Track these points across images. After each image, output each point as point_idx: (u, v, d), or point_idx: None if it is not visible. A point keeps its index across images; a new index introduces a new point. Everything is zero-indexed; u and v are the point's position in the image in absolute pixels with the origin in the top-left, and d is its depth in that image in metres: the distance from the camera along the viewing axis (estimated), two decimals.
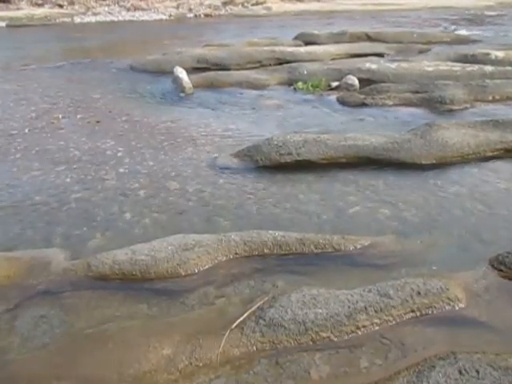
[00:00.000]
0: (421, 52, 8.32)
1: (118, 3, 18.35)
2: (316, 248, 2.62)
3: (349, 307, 2.11)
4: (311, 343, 2.00)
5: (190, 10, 17.84)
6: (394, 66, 6.58)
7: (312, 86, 6.11)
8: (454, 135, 3.97)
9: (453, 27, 11.82)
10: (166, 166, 3.86)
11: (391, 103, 5.35)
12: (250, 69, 7.22)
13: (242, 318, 2.09)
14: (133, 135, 4.62)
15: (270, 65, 7.46)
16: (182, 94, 6.02)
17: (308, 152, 3.80)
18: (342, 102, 5.60)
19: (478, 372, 1.77)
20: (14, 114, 5.37)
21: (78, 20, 15.79)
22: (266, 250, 2.61)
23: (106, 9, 17.75)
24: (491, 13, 14.95)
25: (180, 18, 16.74)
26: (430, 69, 6.38)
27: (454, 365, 1.81)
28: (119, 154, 4.13)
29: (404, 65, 6.61)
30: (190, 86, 6.13)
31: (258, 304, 2.18)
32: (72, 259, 2.61)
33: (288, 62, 7.37)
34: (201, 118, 5.10)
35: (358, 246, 2.64)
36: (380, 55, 7.92)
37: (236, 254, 2.59)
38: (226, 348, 1.96)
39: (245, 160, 3.86)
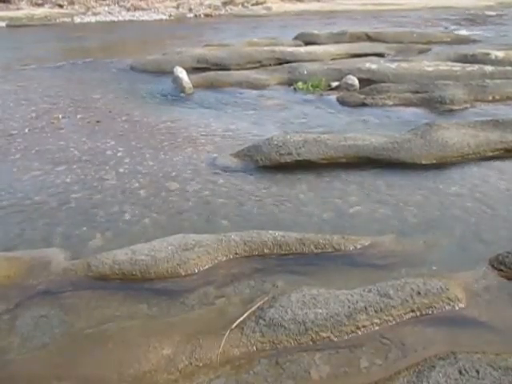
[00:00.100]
0: (421, 52, 8.31)
1: (117, 3, 18.35)
2: (316, 248, 2.62)
3: (349, 307, 2.11)
4: (311, 343, 2.00)
5: (190, 9, 17.83)
6: (394, 65, 6.58)
7: (312, 86, 6.11)
8: (454, 135, 3.97)
9: (453, 27, 11.81)
10: (166, 165, 3.86)
11: (391, 103, 5.35)
12: (250, 69, 7.22)
13: (242, 318, 2.09)
14: (133, 135, 4.62)
15: (270, 65, 7.46)
16: (182, 94, 6.02)
17: (308, 152, 3.80)
18: (342, 102, 5.59)
19: (478, 372, 1.77)
20: (14, 114, 5.37)
21: (78, 20, 15.78)
22: (266, 250, 2.61)
23: (106, 9, 17.74)
24: (491, 13, 14.94)
25: (180, 18, 16.73)
26: (430, 69, 6.38)
27: (454, 365, 1.81)
28: (119, 154, 4.13)
29: (404, 65, 6.61)
30: (190, 85, 6.13)
31: (258, 304, 2.18)
32: (72, 259, 2.61)
33: (288, 61, 7.36)
34: (201, 118, 5.10)
35: (358, 246, 2.64)
36: (380, 55, 7.92)
37: (236, 254, 2.59)
38: (226, 348, 1.96)
39: (245, 160, 3.86)
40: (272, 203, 3.22)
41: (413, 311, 2.14)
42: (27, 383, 1.85)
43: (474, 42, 9.37)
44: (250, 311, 2.14)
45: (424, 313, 2.14)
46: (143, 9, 17.86)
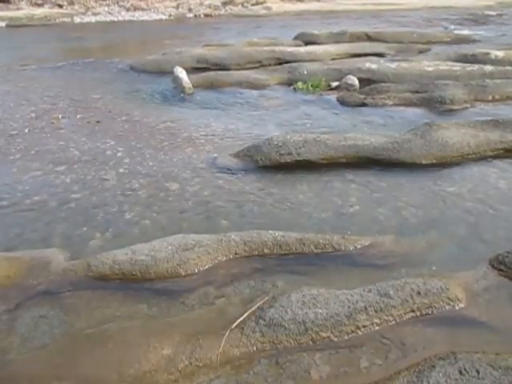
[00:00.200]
0: (421, 52, 8.31)
1: (117, 3, 18.36)
2: (316, 248, 2.62)
3: (349, 307, 2.11)
4: (311, 343, 2.00)
5: (190, 9, 17.84)
6: (393, 65, 6.58)
7: (312, 85, 6.11)
8: (454, 135, 3.97)
9: (452, 27, 11.81)
10: (165, 166, 3.86)
11: (391, 103, 5.35)
12: (250, 69, 7.22)
13: (242, 318, 2.09)
14: (133, 135, 4.62)
15: (270, 65, 7.46)
16: (181, 94, 6.01)
17: (308, 152, 3.80)
18: (342, 101, 5.59)
19: (478, 372, 1.77)
20: (14, 114, 5.37)
21: (77, 20, 15.79)
22: (266, 250, 2.61)
23: (106, 9, 17.75)
24: (491, 12, 14.95)
25: (180, 18, 16.73)
26: (429, 69, 6.38)
27: (454, 365, 1.81)
28: (119, 154, 4.13)
29: (404, 65, 6.61)
30: (190, 86, 6.12)
31: (258, 304, 2.18)
32: (72, 259, 2.61)
33: (288, 61, 7.36)
34: (201, 118, 5.10)
35: (358, 246, 2.64)
36: (380, 55, 7.92)
37: (236, 254, 2.59)
38: (226, 348, 1.96)
39: (245, 160, 3.86)
40: (272, 203, 3.22)
41: (413, 311, 2.14)
42: (27, 383, 1.85)
43: (474, 41, 9.37)
44: (250, 311, 2.14)
45: (424, 313, 2.14)
46: (143, 9, 17.87)
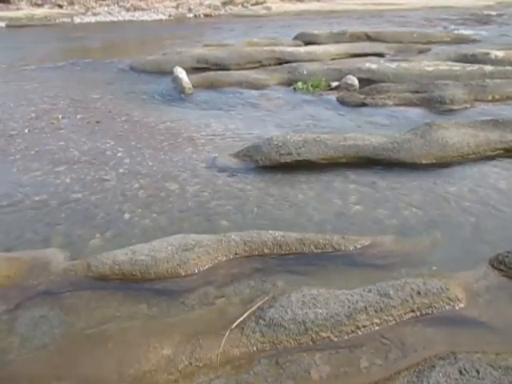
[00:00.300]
0: (421, 52, 8.31)
1: (117, 3, 18.36)
2: (316, 248, 2.62)
3: (349, 307, 2.11)
4: (311, 343, 2.00)
5: (190, 10, 17.84)
6: (393, 65, 6.58)
7: (312, 86, 6.11)
8: (454, 135, 3.97)
9: (452, 27, 11.82)
10: (165, 166, 3.86)
11: (391, 103, 5.35)
12: (250, 69, 7.22)
13: (242, 318, 2.09)
14: (133, 135, 4.62)
15: (270, 65, 7.46)
16: (181, 95, 6.01)
17: (308, 152, 3.80)
18: (342, 101, 5.59)
19: (478, 372, 1.77)
20: (14, 115, 5.37)
21: (77, 20, 15.79)
22: (266, 250, 2.61)
23: (106, 9, 17.76)
24: (491, 12, 14.95)
25: (180, 18, 16.74)
26: (429, 68, 6.38)
27: (454, 365, 1.81)
28: (119, 155, 4.13)
29: (404, 65, 6.61)
30: (190, 86, 6.12)
31: (258, 304, 2.18)
32: (72, 259, 2.61)
33: (288, 61, 7.36)
34: (200, 118, 5.10)
35: (358, 246, 2.64)
36: (380, 55, 7.92)
37: (236, 254, 2.59)
38: (226, 348, 1.96)
39: (245, 160, 3.86)
40: (272, 203, 3.22)
41: (413, 311, 2.14)
42: (27, 383, 1.85)
43: (474, 41, 9.37)
44: (250, 311, 2.14)
45: (424, 313, 2.14)
46: (143, 9, 17.87)
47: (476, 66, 6.45)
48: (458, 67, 6.41)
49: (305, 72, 6.57)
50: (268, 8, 18.14)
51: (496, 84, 5.60)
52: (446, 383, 1.74)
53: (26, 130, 4.81)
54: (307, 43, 9.31)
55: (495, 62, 6.84)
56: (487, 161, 3.81)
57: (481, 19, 13.52)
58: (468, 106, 5.24)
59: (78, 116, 5.30)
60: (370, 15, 15.55)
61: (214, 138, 4.48)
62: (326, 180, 3.55)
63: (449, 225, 2.90)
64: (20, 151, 4.26)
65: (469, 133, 4.05)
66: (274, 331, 2.02)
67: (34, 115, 5.33)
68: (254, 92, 6.13)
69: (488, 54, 7.09)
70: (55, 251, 2.68)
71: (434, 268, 2.48)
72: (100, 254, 2.56)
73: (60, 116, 5.25)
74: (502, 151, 3.93)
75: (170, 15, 17.03)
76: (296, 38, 9.85)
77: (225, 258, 2.57)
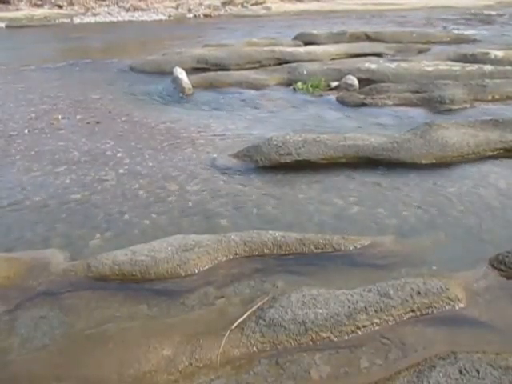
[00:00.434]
0: (420, 52, 8.32)
1: (117, 4, 18.36)
2: (316, 248, 2.62)
3: (349, 307, 2.11)
4: (311, 343, 2.00)
5: (190, 10, 17.84)
6: (393, 65, 6.59)
7: (311, 86, 6.11)
8: (454, 135, 3.97)
9: (452, 27, 11.82)
10: (165, 166, 3.86)
11: (391, 103, 5.35)
12: (250, 69, 7.22)
13: (242, 319, 2.09)
14: (132, 136, 4.62)
15: (270, 65, 7.46)
16: (181, 95, 6.01)
17: (308, 152, 3.80)
18: (342, 102, 5.59)
19: (478, 372, 1.77)
20: (14, 115, 5.37)
21: (77, 20, 15.79)
22: (266, 250, 2.61)
23: (106, 9, 17.75)
24: (491, 12, 14.95)
25: (179, 19, 16.73)
26: (429, 68, 6.38)
27: (455, 364, 1.80)
28: (119, 155, 4.13)
29: (403, 64, 6.62)
30: (190, 86, 6.12)
31: (258, 304, 2.18)
32: (72, 260, 2.61)
33: (287, 62, 7.36)
34: (200, 119, 5.10)
35: (358, 246, 2.64)
36: (379, 55, 7.92)
37: (236, 254, 2.59)
38: (226, 348, 1.96)
39: (244, 160, 3.86)
40: (272, 203, 3.22)
41: (413, 311, 2.14)
42: None
43: (474, 41, 9.37)
44: (250, 311, 2.14)
45: (424, 313, 2.14)
46: (142, 9, 17.87)
47: (476, 66, 6.45)
48: (457, 67, 6.41)
49: (304, 72, 6.57)
50: (268, 8, 18.15)
51: (496, 84, 5.60)
52: (447, 383, 1.74)
53: (26, 131, 4.81)
54: (307, 43, 9.30)
55: (495, 61, 6.84)
56: (487, 161, 3.81)
57: (481, 19, 13.52)
58: (468, 105, 5.24)
59: (78, 116, 5.30)
60: (370, 15, 15.55)
61: (213, 138, 4.48)
62: (325, 180, 3.55)
63: (449, 225, 2.90)
64: (20, 152, 4.26)
65: (469, 133, 4.05)
66: (274, 331, 2.02)
67: (33, 116, 5.33)
68: (254, 92, 6.13)
69: (488, 53, 7.09)
70: (55, 252, 2.68)
71: (434, 268, 2.48)
72: (100, 255, 2.56)
73: (60, 116, 5.25)
74: (501, 151, 3.93)
75: (169, 15, 17.03)
76: (296, 38, 9.85)
77: (225, 259, 2.57)
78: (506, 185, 3.40)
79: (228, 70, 7.21)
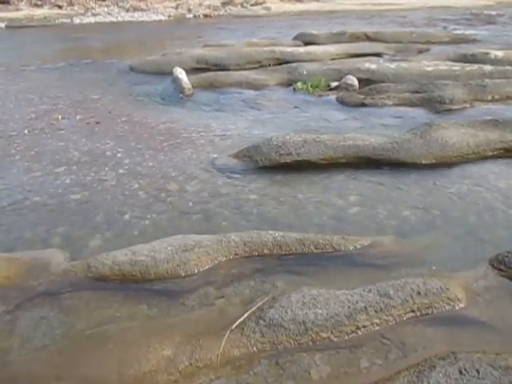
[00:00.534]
0: (420, 52, 8.31)
1: (117, 4, 18.37)
2: (316, 248, 2.62)
3: (349, 307, 2.11)
4: (311, 343, 2.00)
5: (189, 10, 17.84)
6: (393, 65, 6.58)
7: (311, 86, 6.11)
8: (454, 135, 3.97)
9: (452, 27, 11.82)
10: (165, 166, 3.86)
11: (391, 103, 5.35)
12: (250, 69, 7.21)
13: (242, 319, 2.09)
14: (132, 136, 4.62)
15: (270, 65, 7.45)
16: (181, 95, 6.01)
17: (308, 152, 3.80)
18: (342, 102, 5.59)
19: (478, 372, 1.77)
20: (14, 115, 5.37)
21: (77, 21, 15.78)
22: (265, 251, 2.61)
23: (106, 9, 17.75)
24: (490, 12, 14.95)
25: (179, 19, 16.73)
26: (429, 68, 6.38)
27: (455, 364, 1.81)
28: (119, 155, 4.13)
29: (403, 65, 6.61)
30: (190, 86, 6.12)
31: (258, 304, 2.18)
32: (72, 260, 2.61)
33: (287, 62, 7.36)
34: (200, 119, 5.10)
35: (358, 246, 2.64)
36: (379, 55, 7.92)
37: (236, 254, 2.59)
38: (226, 348, 1.96)
39: (244, 160, 3.86)
40: (272, 203, 3.22)
41: (413, 311, 2.14)
42: None
43: (474, 41, 9.37)
44: (250, 312, 2.14)
45: (424, 313, 2.14)
46: (142, 9, 17.87)
47: (475, 66, 6.44)
48: (457, 67, 6.41)
49: (304, 72, 6.57)
50: (267, 8, 18.15)
51: (495, 84, 5.60)
52: (446, 383, 1.74)
53: (26, 131, 4.81)
54: (307, 43, 9.30)
55: (495, 61, 6.84)
56: (487, 161, 3.81)
57: (480, 19, 13.52)
58: (468, 105, 5.24)
59: (78, 116, 5.30)
60: (370, 15, 15.55)
61: (213, 138, 4.48)
62: (325, 180, 3.55)
63: (449, 225, 2.90)
64: (20, 152, 4.26)
65: (468, 133, 4.05)
66: (274, 331, 2.02)
67: (33, 116, 5.32)
68: (254, 92, 6.13)
69: (487, 53, 7.09)
70: (55, 252, 2.68)
71: (434, 268, 2.48)
72: (100, 255, 2.56)
73: (60, 116, 5.25)
74: (501, 151, 3.93)
75: (169, 16, 17.03)
76: (295, 38, 9.85)
77: (225, 259, 2.57)
78: (506, 185, 3.40)
79: (228, 70, 7.21)
